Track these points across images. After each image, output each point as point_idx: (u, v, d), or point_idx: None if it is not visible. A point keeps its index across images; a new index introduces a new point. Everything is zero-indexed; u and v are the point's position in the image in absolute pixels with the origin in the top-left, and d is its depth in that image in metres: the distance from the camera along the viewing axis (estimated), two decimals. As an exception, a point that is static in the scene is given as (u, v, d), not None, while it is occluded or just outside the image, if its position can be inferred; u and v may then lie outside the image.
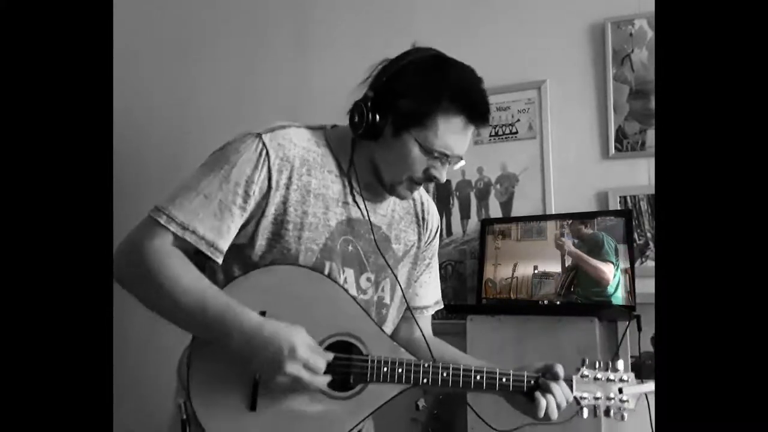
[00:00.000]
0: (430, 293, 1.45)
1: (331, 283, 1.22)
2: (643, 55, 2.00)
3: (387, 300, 1.33)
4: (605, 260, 1.89)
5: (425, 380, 1.21)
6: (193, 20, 2.72)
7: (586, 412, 1.25)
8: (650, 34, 1.99)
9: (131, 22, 2.56)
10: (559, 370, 1.22)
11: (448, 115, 1.19)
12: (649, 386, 1.27)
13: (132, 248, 1.15)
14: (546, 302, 1.92)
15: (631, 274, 1.84)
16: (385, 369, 1.19)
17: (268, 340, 1.10)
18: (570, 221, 1.97)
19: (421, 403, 2.03)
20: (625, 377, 1.26)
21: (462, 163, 1.27)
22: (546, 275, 1.97)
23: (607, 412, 1.25)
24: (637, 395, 1.27)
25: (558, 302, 1.91)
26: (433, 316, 1.49)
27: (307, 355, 1.11)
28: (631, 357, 1.88)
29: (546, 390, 1.21)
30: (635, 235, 1.92)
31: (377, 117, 1.21)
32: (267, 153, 1.20)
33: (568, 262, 1.95)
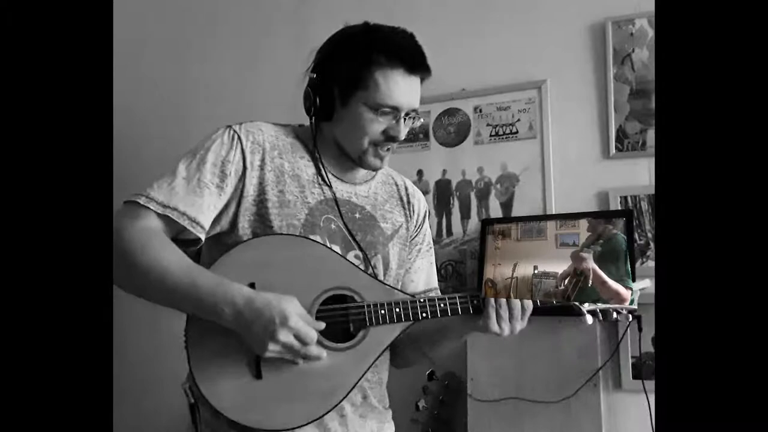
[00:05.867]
0: (422, 279, 1.46)
1: (313, 244, 1.23)
2: (644, 55, 2.00)
3: (381, 277, 1.34)
4: (626, 286, 1.81)
5: (424, 314, 1.23)
6: (193, 20, 2.72)
7: (589, 318, 1.25)
8: (651, 33, 1.99)
9: (131, 22, 2.56)
10: None
11: (384, 69, 1.24)
12: (645, 282, 1.28)
13: (114, 234, 1.13)
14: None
15: (631, 275, 1.83)
16: (383, 311, 1.21)
17: (260, 311, 1.10)
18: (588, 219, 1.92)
19: (422, 403, 2.03)
20: None
21: (421, 120, 1.31)
22: (546, 275, 1.96)
23: (608, 315, 1.25)
24: (637, 293, 1.27)
25: (559, 303, 1.90)
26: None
27: (298, 324, 1.11)
28: (632, 357, 1.87)
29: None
30: (636, 235, 1.91)
31: (324, 95, 1.27)
32: (239, 137, 1.26)
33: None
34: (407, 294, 1.26)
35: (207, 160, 1.22)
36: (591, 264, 1.87)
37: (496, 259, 2.10)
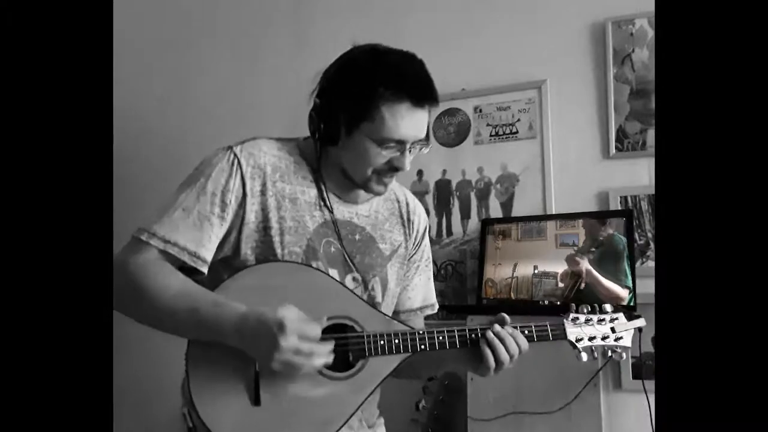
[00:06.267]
0: (419, 296, 1.46)
1: (316, 272, 1.24)
2: (644, 55, 2.00)
3: (379, 299, 1.34)
4: (623, 285, 1.81)
5: (422, 346, 1.23)
6: (193, 20, 2.72)
7: (584, 356, 1.26)
8: (651, 33, 1.99)
9: (131, 22, 2.56)
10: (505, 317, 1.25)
11: (390, 103, 1.20)
12: (640, 321, 1.29)
13: (118, 267, 1.16)
14: (546, 302, 1.92)
15: (631, 275, 1.83)
16: (382, 342, 1.21)
17: (258, 324, 1.11)
18: (583, 221, 1.94)
19: (422, 403, 2.03)
20: (614, 316, 1.27)
21: (427, 148, 1.29)
22: (546, 275, 1.97)
23: (605, 353, 1.26)
24: (630, 332, 1.28)
25: (558, 302, 1.91)
26: (433, 317, 1.49)
27: (297, 325, 1.10)
28: (632, 357, 1.87)
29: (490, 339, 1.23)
30: (636, 235, 1.91)
31: (328, 123, 1.24)
32: (239, 162, 1.24)
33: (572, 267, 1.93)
34: (406, 325, 1.26)
35: (207, 190, 1.21)
36: (585, 266, 1.89)
37: (496, 259, 2.11)
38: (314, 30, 2.50)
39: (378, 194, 1.32)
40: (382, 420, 1.42)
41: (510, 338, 1.22)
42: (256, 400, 1.15)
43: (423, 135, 1.26)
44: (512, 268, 2.03)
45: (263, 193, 1.25)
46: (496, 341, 1.21)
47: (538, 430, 1.75)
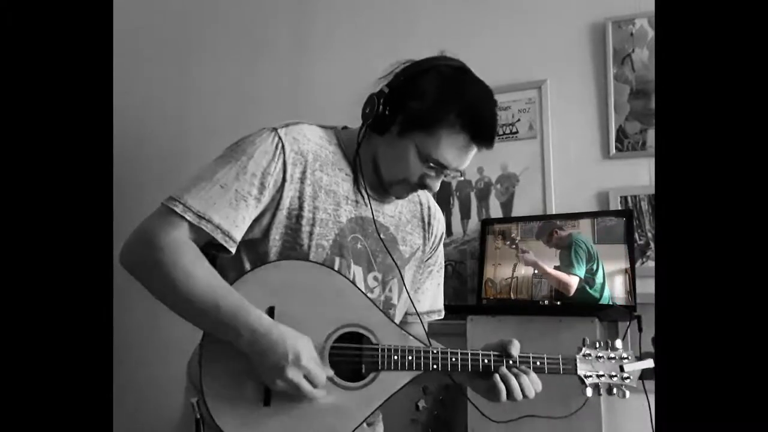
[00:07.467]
0: (428, 300, 1.46)
1: (338, 276, 1.23)
2: (644, 55, 2.00)
3: (394, 300, 1.34)
4: (569, 273, 1.92)
5: (435, 366, 1.23)
6: (194, 20, 2.72)
7: (589, 391, 1.27)
8: (651, 33, 1.99)
9: (131, 22, 2.56)
10: (513, 351, 1.24)
11: (452, 130, 1.21)
12: (648, 363, 1.29)
13: (148, 238, 1.14)
14: (546, 302, 1.92)
15: (631, 275, 1.84)
16: (396, 357, 1.21)
17: (275, 344, 1.11)
18: (536, 226, 2.01)
19: (422, 403, 2.03)
20: (624, 355, 1.28)
21: (459, 177, 1.29)
22: (546, 275, 1.97)
23: (609, 390, 1.27)
24: (638, 372, 1.29)
25: (558, 302, 1.91)
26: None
27: (310, 365, 1.12)
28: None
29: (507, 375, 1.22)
30: (636, 235, 1.91)
31: (387, 112, 1.23)
32: (282, 146, 1.22)
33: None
34: (420, 342, 1.26)
35: (248, 170, 1.19)
36: (530, 258, 1.99)
37: (496, 259, 2.11)
38: (314, 30, 2.50)
39: (399, 198, 1.33)
40: (380, 416, 1.42)
41: (528, 383, 1.21)
42: (266, 401, 1.16)
43: (463, 168, 1.28)
44: (512, 268, 2.03)
45: (302, 180, 1.24)
46: (513, 381, 1.21)
47: (539, 430, 1.74)
